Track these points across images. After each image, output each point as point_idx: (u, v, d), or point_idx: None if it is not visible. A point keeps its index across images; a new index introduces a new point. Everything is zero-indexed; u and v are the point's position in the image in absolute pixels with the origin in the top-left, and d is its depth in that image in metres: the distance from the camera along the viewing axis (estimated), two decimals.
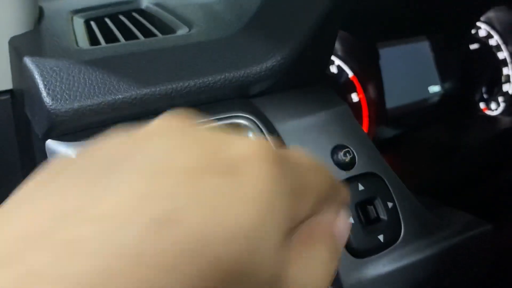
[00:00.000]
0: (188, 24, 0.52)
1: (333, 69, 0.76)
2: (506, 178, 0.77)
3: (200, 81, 0.44)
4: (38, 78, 0.40)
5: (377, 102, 0.80)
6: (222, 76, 0.44)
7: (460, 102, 0.88)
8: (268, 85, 0.48)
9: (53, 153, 0.40)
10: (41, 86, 0.40)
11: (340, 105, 0.50)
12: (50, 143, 0.40)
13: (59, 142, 0.40)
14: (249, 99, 0.48)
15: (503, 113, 0.93)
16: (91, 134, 0.41)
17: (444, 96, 0.87)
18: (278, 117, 0.47)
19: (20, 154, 0.47)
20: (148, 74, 0.42)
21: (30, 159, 0.46)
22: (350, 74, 0.77)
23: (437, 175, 0.76)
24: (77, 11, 0.57)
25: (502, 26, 0.94)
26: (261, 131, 0.45)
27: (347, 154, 0.47)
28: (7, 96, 0.48)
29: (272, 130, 0.46)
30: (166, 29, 0.53)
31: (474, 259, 0.51)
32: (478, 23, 0.93)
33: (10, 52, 0.47)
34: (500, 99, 0.94)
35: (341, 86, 0.77)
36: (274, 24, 0.48)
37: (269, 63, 0.46)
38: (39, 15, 0.53)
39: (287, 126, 0.47)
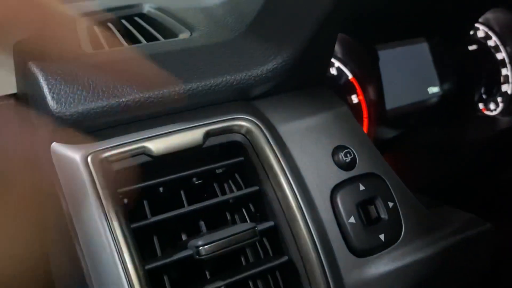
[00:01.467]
0: (190, 28, 0.53)
1: (333, 71, 0.77)
2: (505, 177, 0.78)
3: (202, 83, 0.44)
4: (43, 82, 0.41)
5: (376, 103, 0.80)
6: (224, 79, 0.45)
7: (459, 102, 0.89)
8: (269, 87, 0.48)
9: (58, 156, 0.41)
10: (45, 90, 0.40)
11: (340, 106, 0.51)
12: (55, 146, 0.41)
13: (64, 145, 0.41)
14: (250, 101, 0.49)
15: (502, 113, 0.94)
16: (95, 137, 0.42)
17: (443, 97, 0.87)
18: (279, 118, 0.48)
19: (25, 158, 0.48)
20: (151, 78, 0.43)
21: (35, 162, 0.46)
22: (350, 76, 0.78)
23: (437, 175, 0.77)
24: (80, 16, 0.57)
25: (501, 27, 0.94)
26: (263, 133, 0.45)
27: (348, 155, 0.47)
28: (11, 100, 0.48)
29: (273, 132, 0.46)
30: (168, 33, 0.53)
31: (474, 257, 0.51)
32: (476, 25, 0.93)
33: (14, 57, 0.47)
34: (499, 99, 0.95)
35: (341, 87, 0.77)
36: (275, 27, 0.48)
37: (270, 65, 0.46)
38: (43, 20, 0.54)
39: (288, 127, 0.48)
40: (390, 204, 0.47)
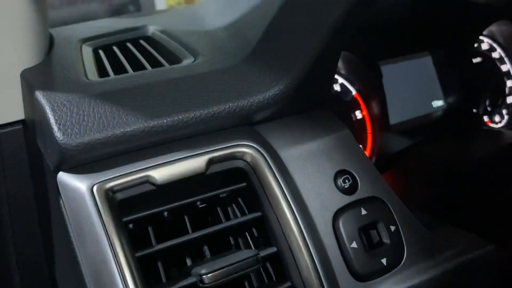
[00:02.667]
0: (194, 53, 0.53)
1: (337, 87, 0.78)
2: (511, 192, 0.77)
3: (206, 111, 0.45)
4: (49, 112, 0.42)
5: (380, 118, 0.81)
6: (226, 106, 0.46)
7: (463, 116, 0.89)
8: (272, 113, 0.49)
9: (64, 185, 0.42)
10: (52, 120, 0.41)
11: (342, 130, 0.52)
12: (62, 176, 0.42)
13: (70, 174, 0.42)
14: (252, 127, 0.49)
15: (507, 125, 0.94)
16: (100, 167, 0.43)
17: (447, 111, 0.88)
18: (281, 143, 0.49)
19: (33, 182, 0.49)
20: (155, 107, 0.44)
21: (43, 188, 0.47)
22: (354, 92, 0.78)
23: (441, 189, 0.77)
24: (85, 40, 0.58)
25: (505, 39, 0.94)
26: (265, 159, 0.46)
27: (350, 179, 0.48)
28: (19, 126, 0.49)
29: (275, 157, 0.47)
30: (172, 57, 0.54)
31: (477, 279, 0.52)
32: (480, 37, 0.93)
33: (22, 84, 0.48)
34: (504, 111, 0.95)
35: (345, 104, 0.78)
36: (276, 52, 0.49)
37: (272, 91, 0.47)
38: (50, 44, 0.55)
39: (290, 152, 0.48)
40: (392, 228, 0.48)
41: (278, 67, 0.48)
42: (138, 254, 0.40)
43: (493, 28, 0.93)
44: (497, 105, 0.94)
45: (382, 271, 0.46)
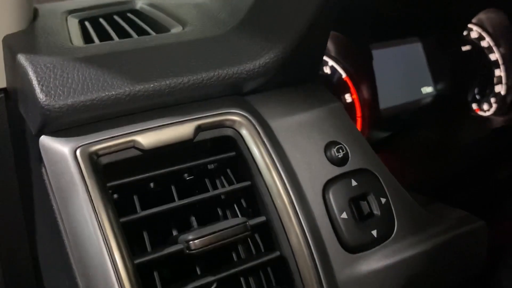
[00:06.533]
0: (182, 22, 0.52)
1: (327, 70, 0.77)
2: (497, 177, 0.78)
3: (194, 78, 0.44)
4: (31, 74, 0.40)
5: (370, 103, 0.80)
6: (216, 73, 0.45)
7: (452, 103, 0.89)
8: (262, 83, 0.48)
9: (47, 149, 0.40)
10: (34, 82, 0.40)
11: (333, 102, 0.51)
12: (44, 139, 0.40)
13: (53, 138, 0.40)
14: (242, 97, 0.48)
15: (495, 113, 0.94)
16: (84, 130, 0.41)
17: (436, 97, 0.87)
18: (271, 114, 0.48)
19: (14, 152, 0.47)
20: (141, 71, 0.43)
21: (24, 156, 0.46)
22: (344, 74, 0.78)
23: (430, 175, 0.77)
24: (71, 11, 0.57)
25: (494, 28, 0.95)
26: (255, 127, 0.45)
27: (340, 151, 0.47)
28: (1, 95, 0.48)
29: (265, 127, 0.46)
30: (160, 28, 0.53)
31: (467, 254, 0.51)
32: (470, 25, 0.94)
33: (3, 50, 0.47)
34: (492, 100, 0.95)
35: (335, 86, 0.77)
36: (267, 22, 0.48)
37: (263, 60, 0.46)
38: (34, 15, 0.53)
39: (280, 123, 0.47)
40: (383, 200, 0.47)
41: (269, 36, 0.47)
42: (123, 219, 0.39)
43: (482, 16, 0.93)
44: (486, 94, 0.95)
45: (373, 243, 0.45)
